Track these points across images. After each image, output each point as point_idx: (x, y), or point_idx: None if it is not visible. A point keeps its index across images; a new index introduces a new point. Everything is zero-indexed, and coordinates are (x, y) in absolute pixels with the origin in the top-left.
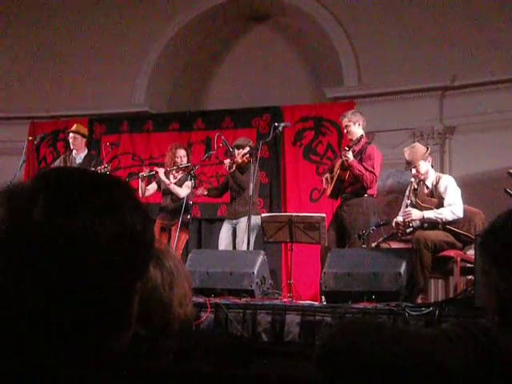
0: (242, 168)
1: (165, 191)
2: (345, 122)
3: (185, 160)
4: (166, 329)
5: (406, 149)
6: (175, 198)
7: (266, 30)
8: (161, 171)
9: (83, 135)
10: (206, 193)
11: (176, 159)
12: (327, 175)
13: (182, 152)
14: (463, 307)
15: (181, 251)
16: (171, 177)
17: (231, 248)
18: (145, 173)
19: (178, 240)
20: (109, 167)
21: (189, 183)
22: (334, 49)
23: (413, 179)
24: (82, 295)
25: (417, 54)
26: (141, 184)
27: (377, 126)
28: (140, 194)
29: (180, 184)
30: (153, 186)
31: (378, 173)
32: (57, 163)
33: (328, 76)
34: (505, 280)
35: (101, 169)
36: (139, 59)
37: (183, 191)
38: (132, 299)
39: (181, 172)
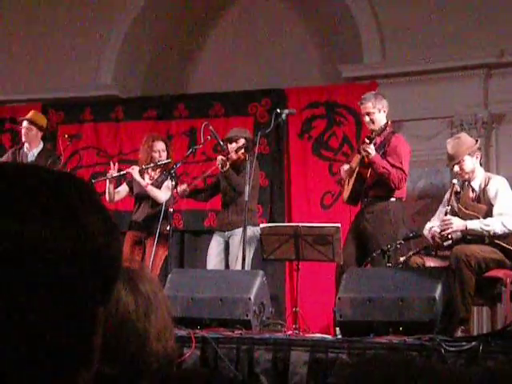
0: (238, 166)
1: (138, 195)
2: (367, 108)
3: (164, 155)
4: (140, 368)
5: (449, 140)
6: (153, 203)
7: None
8: (135, 170)
9: (40, 127)
10: (187, 192)
11: (153, 154)
12: (347, 166)
13: (160, 145)
14: None
15: (158, 271)
16: (146, 177)
17: (222, 267)
18: (114, 172)
19: (154, 257)
20: (66, 167)
21: (169, 184)
22: (351, 18)
23: (455, 180)
24: (28, 323)
25: (455, 23)
26: (108, 186)
27: (405, 114)
28: (107, 199)
29: (158, 186)
30: (123, 188)
31: (407, 169)
32: (3, 159)
33: (344, 51)
34: None
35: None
36: (106, 30)
37: (163, 194)
38: (93, 329)
39: (158, 171)
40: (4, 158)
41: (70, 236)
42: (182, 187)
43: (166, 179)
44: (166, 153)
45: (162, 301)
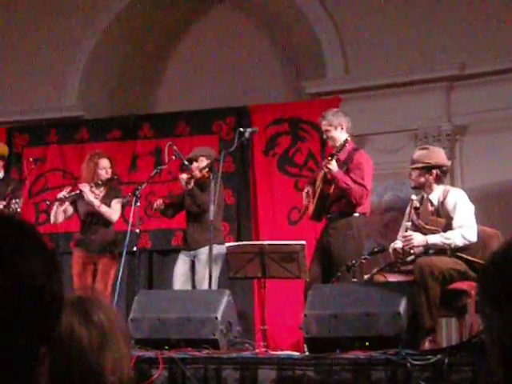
0: (203, 185)
1: (86, 214)
2: (324, 125)
3: (109, 172)
4: None
5: (417, 148)
6: (104, 222)
7: (229, 12)
8: (87, 189)
9: (1, 157)
10: (162, 207)
11: (99, 171)
12: (308, 189)
13: (106, 162)
14: (479, 354)
15: (110, 290)
16: (91, 195)
17: (189, 287)
18: (66, 193)
19: (106, 277)
20: (20, 202)
21: (118, 204)
22: (314, 34)
23: (414, 196)
24: None
25: (417, 37)
26: (56, 208)
27: (369, 128)
28: (52, 221)
29: (107, 204)
30: (67, 209)
31: (370, 185)
32: None
33: (307, 67)
34: (508, 327)
35: (12, 203)
36: (70, 52)
37: (115, 213)
38: (35, 369)
39: (102, 189)
40: None
41: (6, 277)
42: (158, 202)
43: (116, 197)
44: (111, 170)
45: (117, 329)
